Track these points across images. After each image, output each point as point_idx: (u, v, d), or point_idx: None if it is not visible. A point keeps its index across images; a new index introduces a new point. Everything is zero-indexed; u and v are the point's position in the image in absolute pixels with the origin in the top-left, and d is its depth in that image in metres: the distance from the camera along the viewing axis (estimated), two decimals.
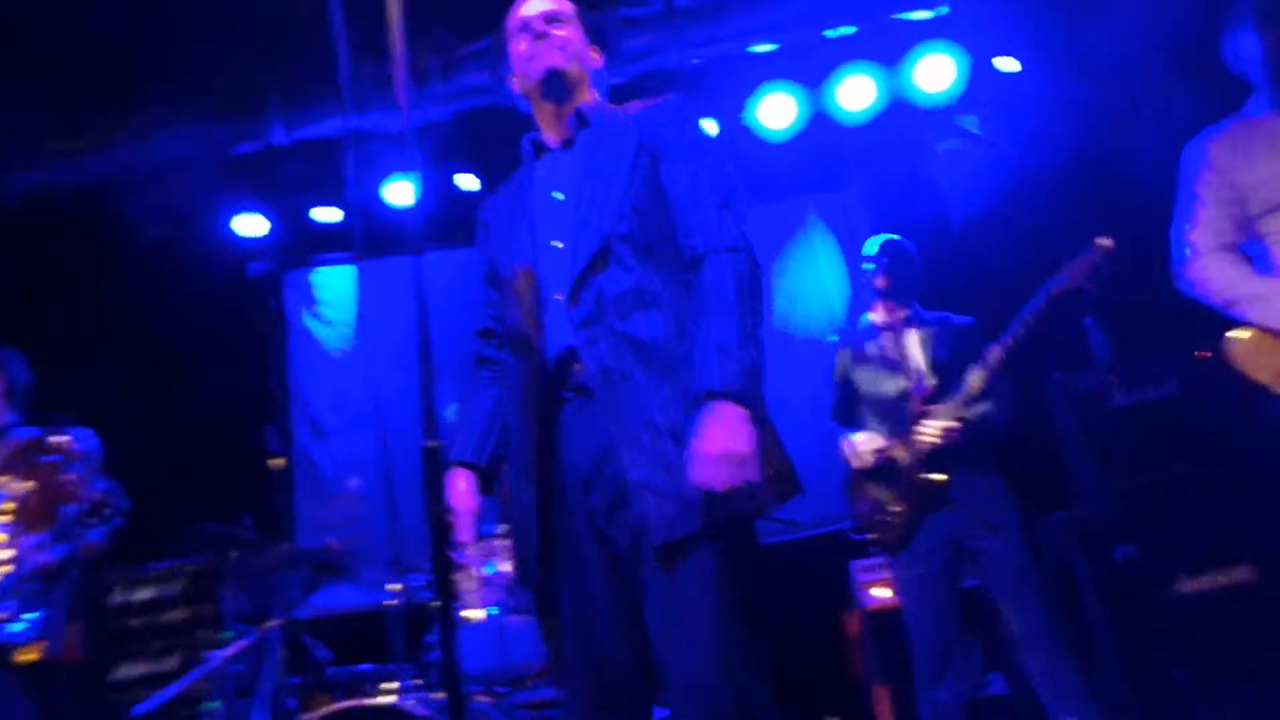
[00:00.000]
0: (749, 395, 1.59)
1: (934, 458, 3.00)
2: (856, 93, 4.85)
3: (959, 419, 2.97)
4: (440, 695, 2.87)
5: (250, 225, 5.15)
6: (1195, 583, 3.15)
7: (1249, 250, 2.39)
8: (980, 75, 4.77)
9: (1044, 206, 4.76)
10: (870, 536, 3.16)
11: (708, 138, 1.86)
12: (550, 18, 1.90)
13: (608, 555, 1.69)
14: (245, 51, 4.63)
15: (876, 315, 3.32)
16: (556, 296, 1.73)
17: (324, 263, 5.53)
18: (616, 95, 4.85)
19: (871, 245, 3.39)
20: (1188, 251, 2.40)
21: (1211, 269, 2.35)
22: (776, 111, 4.91)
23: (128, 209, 5.09)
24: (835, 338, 3.48)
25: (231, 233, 5.14)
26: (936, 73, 4.73)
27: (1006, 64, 4.77)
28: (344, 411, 5.26)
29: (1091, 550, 3.23)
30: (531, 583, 1.74)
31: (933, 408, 3.03)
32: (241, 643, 3.20)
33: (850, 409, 3.33)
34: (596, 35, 2.05)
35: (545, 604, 1.75)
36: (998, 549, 2.95)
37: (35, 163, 4.78)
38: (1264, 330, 2.28)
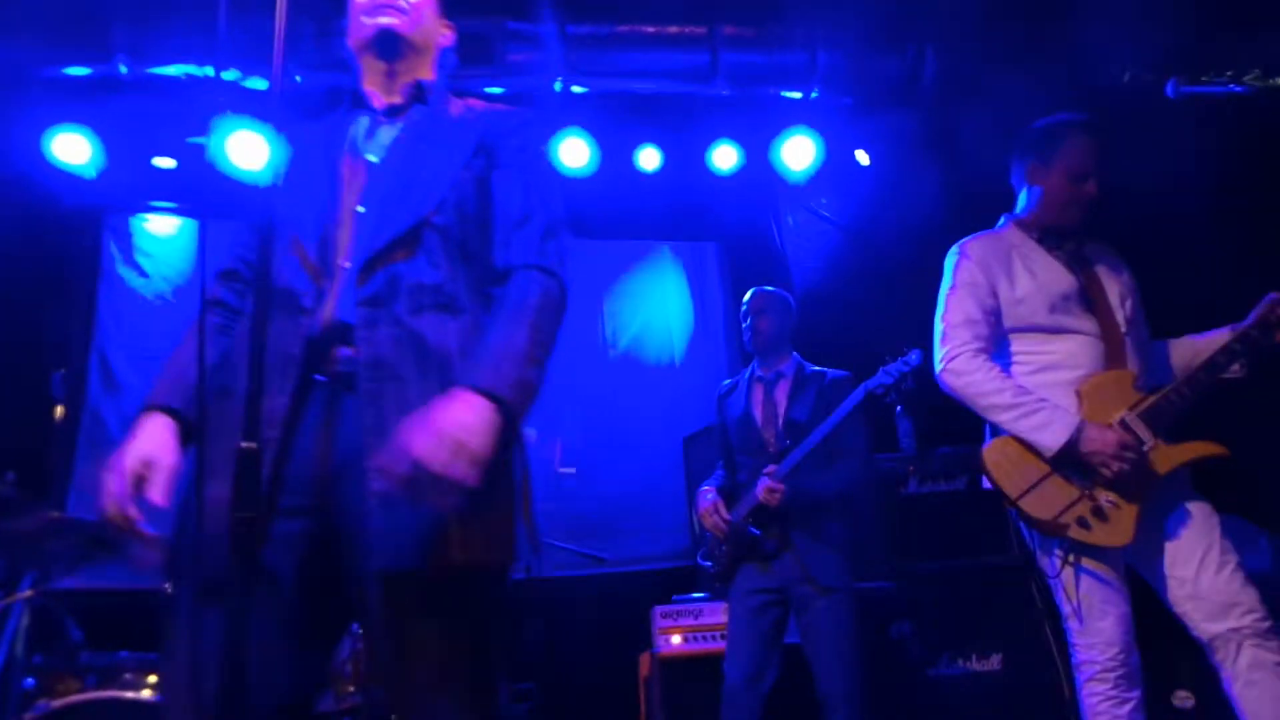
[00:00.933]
0: (512, 409, 1.41)
1: (761, 512, 3.17)
2: (725, 155, 5.09)
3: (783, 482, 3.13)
4: None
5: (74, 151, 4.69)
6: (955, 663, 3.48)
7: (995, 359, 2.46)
8: (835, 161, 5.12)
9: (875, 287, 5.13)
10: (709, 567, 3.38)
11: (548, 161, 1.77)
12: None
13: (301, 574, 1.43)
14: None
15: (756, 369, 3.47)
16: (344, 264, 1.54)
17: (153, 210, 5.12)
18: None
19: (750, 295, 3.53)
20: (948, 350, 2.46)
21: (975, 371, 2.40)
22: (647, 157, 5.06)
23: None
24: (726, 383, 3.61)
25: (51, 160, 4.66)
26: (798, 152, 5.04)
27: (860, 156, 5.14)
28: (145, 370, 4.86)
29: (871, 622, 3.47)
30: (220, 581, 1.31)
31: (773, 465, 3.18)
32: None
33: (724, 451, 3.48)
34: (477, 40, 1.94)
35: (186, 614, 1.40)
36: (819, 609, 3.09)
37: None
38: (1018, 441, 2.36)
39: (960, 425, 2.77)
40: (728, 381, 3.61)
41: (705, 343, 5.39)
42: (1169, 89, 2.82)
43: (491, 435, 1.37)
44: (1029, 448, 2.34)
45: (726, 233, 5.61)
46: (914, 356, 3.08)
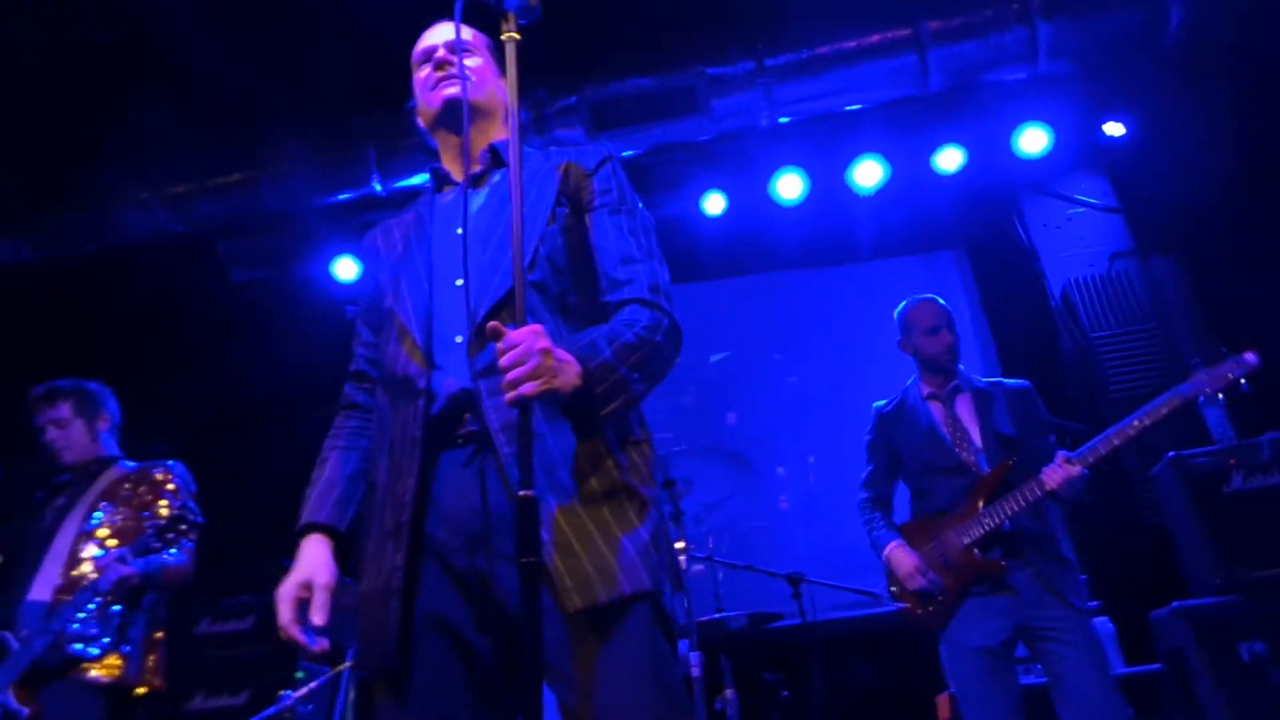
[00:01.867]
0: (594, 383, 1.42)
1: (994, 538, 2.82)
2: (948, 158, 4.81)
3: (1027, 499, 2.77)
4: None
5: (350, 270, 5.32)
6: None
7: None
8: (1083, 141, 4.67)
9: (1145, 278, 4.60)
10: (910, 612, 2.95)
11: (632, 192, 1.72)
12: (455, 47, 1.74)
13: (484, 635, 1.46)
14: (347, 108, 4.84)
15: (923, 383, 3.15)
16: (456, 339, 1.55)
17: None
18: (709, 154, 4.86)
19: (902, 308, 3.22)
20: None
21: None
22: (868, 173, 4.89)
23: (236, 253, 5.34)
24: (880, 403, 3.26)
25: (332, 277, 5.30)
26: (1033, 139, 4.66)
27: (1112, 129, 4.65)
28: None
29: (1212, 645, 2.98)
30: (386, 663, 1.43)
31: (994, 484, 2.85)
32: (314, 683, 3.21)
33: (890, 478, 3.18)
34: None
35: (394, 691, 1.45)
36: (1075, 639, 2.69)
37: (151, 206, 5.04)
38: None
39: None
40: (882, 403, 3.25)
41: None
42: None
43: (569, 382, 1.38)
44: None
45: (966, 238, 5.24)
46: (1249, 358, 2.64)
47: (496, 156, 1.75)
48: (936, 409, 3.07)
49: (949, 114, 4.78)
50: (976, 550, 2.82)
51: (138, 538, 2.71)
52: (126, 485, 2.90)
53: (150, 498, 2.86)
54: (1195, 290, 4.45)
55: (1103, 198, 4.93)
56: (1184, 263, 4.54)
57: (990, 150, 4.82)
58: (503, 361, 1.33)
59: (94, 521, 2.79)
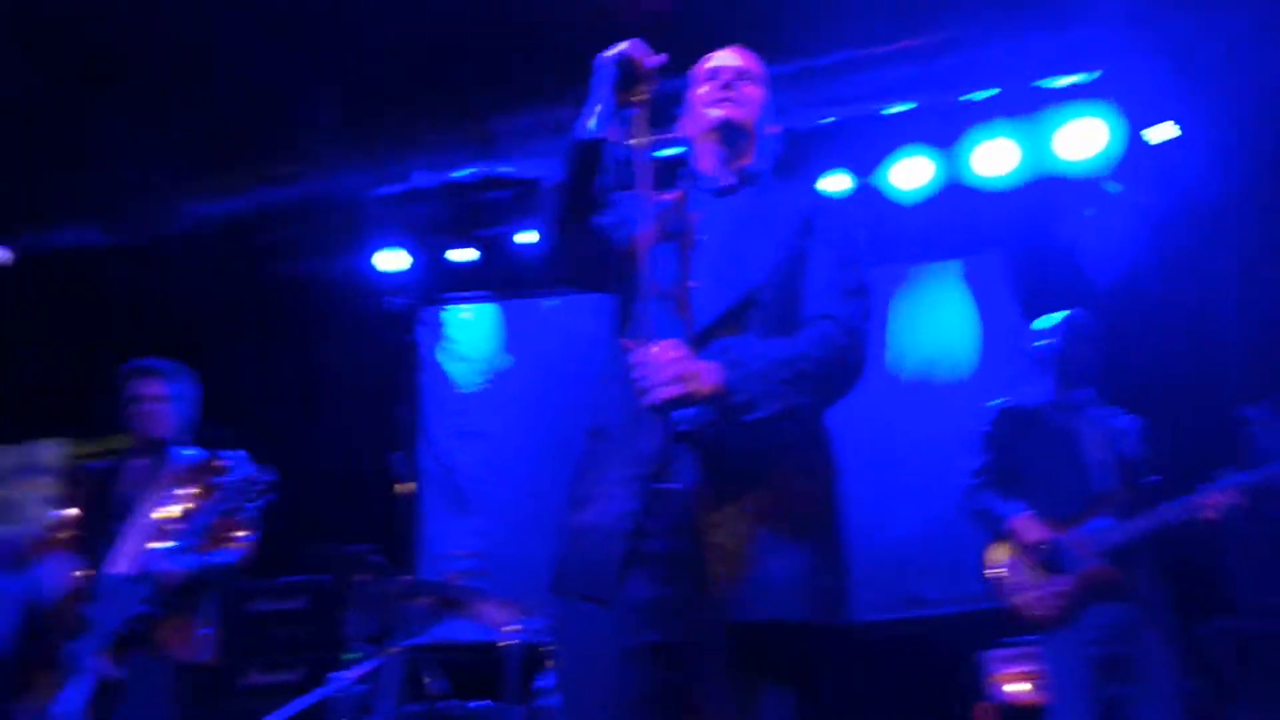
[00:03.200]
0: (733, 391, 1.53)
1: (1117, 552, 2.89)
2: (995, 158, 4.77)
3: (1173, 516, 2.84)
4: None
5: (391, 261, 5.42)
6: None
7: None
8: (1130, 141, 4.62)
9: (1192, 279, 4.55)
10: (1019, 610, 3.00)
11: (862, 236, 1.85)
12: (743, 73, 1.90)
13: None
14: (392, 103, 4.93)
15: (1052, 392, 3.19)
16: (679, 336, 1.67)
17: (459, 301, 5.75)
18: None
19: (1048, 320, 3.27)
20: None
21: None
22: (911, 173, 4.87)
23: (280, 243, 5.47)
24: (1001, 400, 3.29)
25: (373, 268, 5.40)
26: (1083, 138, 4.61)
27: (1162, 132, 4.59)
28: (467, 448, 5.42)
29: (1251, 662, 3.00)
30: (603, 594, 1.55)
31: (1130, 498, 2.93)
32: (364, 665, 3.32)
33: (1003, 476, 3.18)
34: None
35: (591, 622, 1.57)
36: (1161, 657, 2.79)
37: (201, 195, 5.18)
38: None
39: None
40: (1000, 401, 3.27)
41: (997, 361, 4.99)
42: None
43: (708, 388, 1.52)
44: None
45: (1013, 241, 5.19)
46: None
47: (749, 177, 1.89)
48: (1063, 419, 3.11)
49: (993, 113, 4.76)
50: (1105, 559, 2.88)
51: (190, 535, 2.82)
52: (194, 470, 3.02)
53: (211, 485, 2.98)
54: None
55: (1152, 195, 4.87)
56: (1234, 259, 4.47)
57: (1037, 150, 4.78)
58: (639, 373, 1.50)
59: (164, 504, 2.91)
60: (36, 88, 4.51)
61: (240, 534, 2.98)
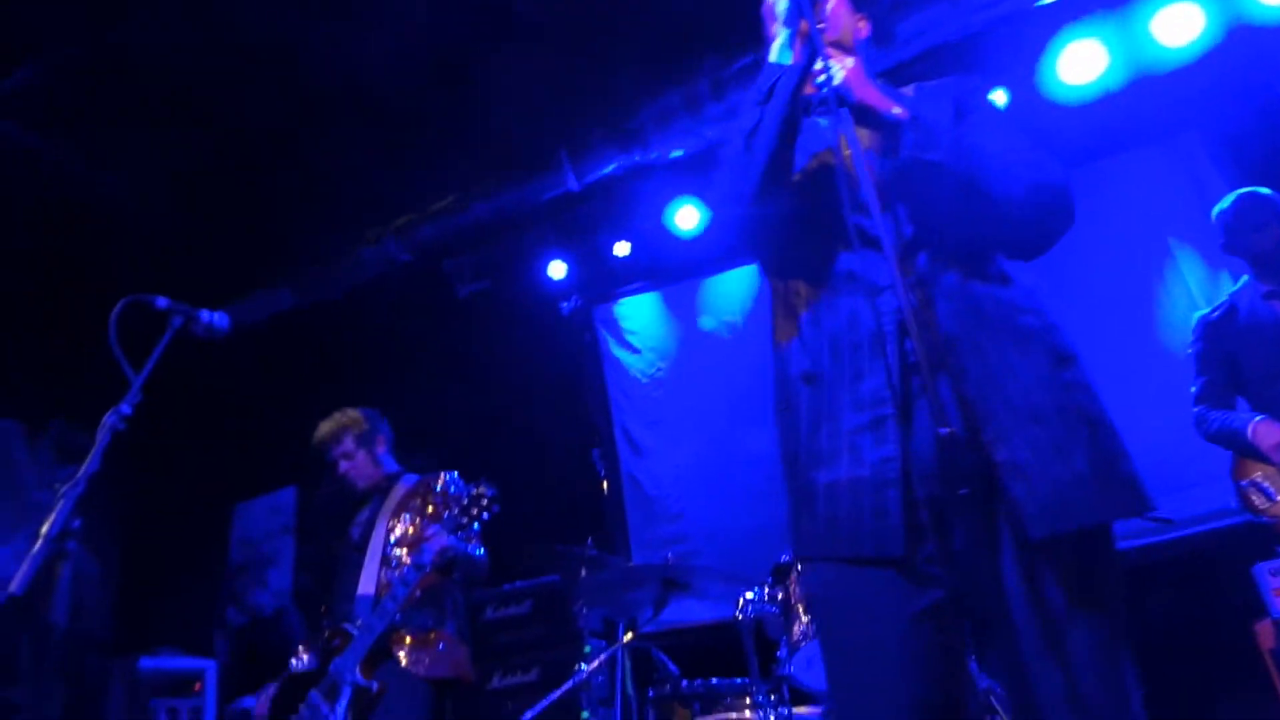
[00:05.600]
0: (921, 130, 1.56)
1: None
2: (1179, 23, 4.25)
3: None
4: (799, 709, 2.86)
5: (559, 267, 5.57)
6: None
7: None
8: None
9: None
10: (1278, 522, 2.70)
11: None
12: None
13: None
14: (537, 113, 5.04)
15: (1259, 283, 2.88)
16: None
17: (626, 294, 5.82)
18: (898, 77, 4.65)
19: (1226, 204, 2.97)
20: None
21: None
22: (1081, 64, 4.44)
23: (457, 268, 5.73)
24: (1203, 310, 3.03)
25: (547, 277, 5.56)
26: None
27: None
28: (658, 434, 5.47)
29: None
30: (889, 551, 1.44)
31: None
32: (600, 656, 3.40)
33: (1227, 390, 2.90)
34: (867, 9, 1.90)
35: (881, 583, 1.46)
36: None
37: (382, 239, 5.51)
38: None
39: None
40: (1205, 310, 3.02)
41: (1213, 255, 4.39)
42: None
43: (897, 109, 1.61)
44: None
45: (1212, 120, 4.58)
46: None
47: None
48: (1278, 306, 2.82)
49: None
50: None
51: (445, 517, 2.96)
52: (415, 496, 3.21)
53: (436, 502, 3.14)
54: None
55: None
56: None
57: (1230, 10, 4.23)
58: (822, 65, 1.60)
59: (399, 533, 3.10)
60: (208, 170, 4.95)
61: (477, 541, 3.10)
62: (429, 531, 2.93)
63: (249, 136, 4.93)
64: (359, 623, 2.91)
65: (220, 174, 5.08)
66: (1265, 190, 2.99)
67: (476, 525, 2.95)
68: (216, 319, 2.37)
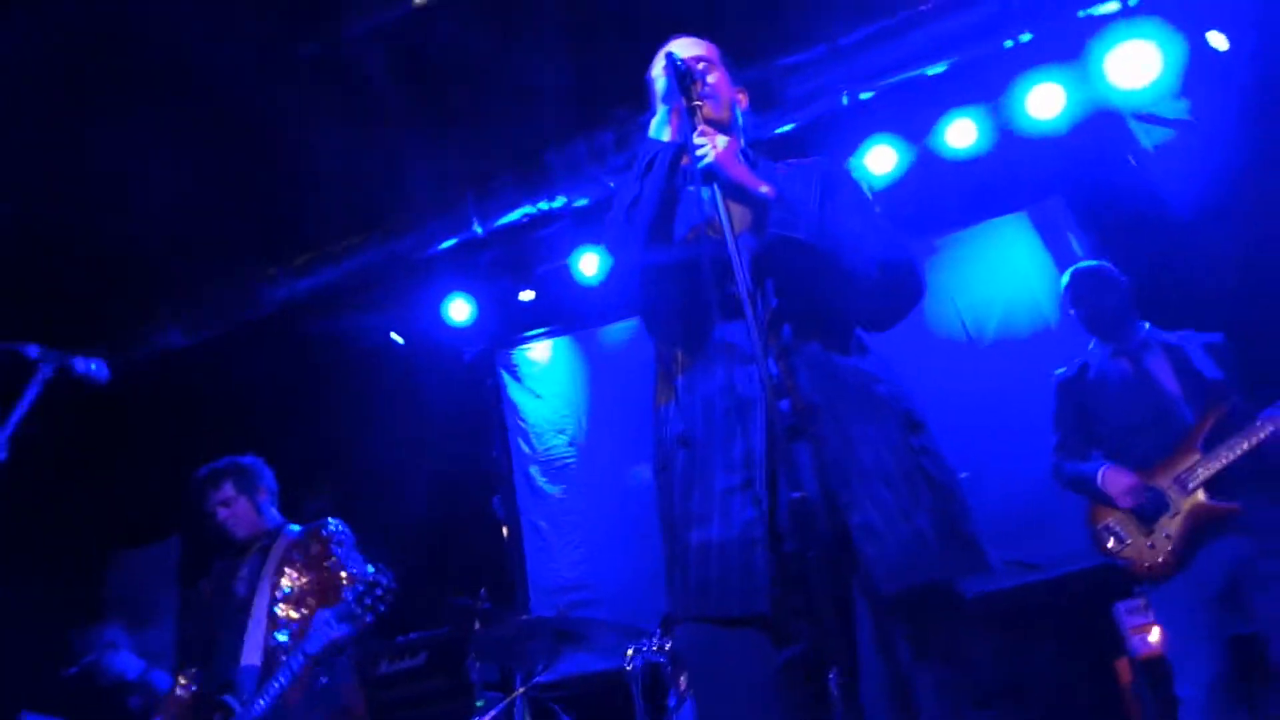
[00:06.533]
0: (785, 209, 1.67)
1: (1219, 483, 2.78)
2: (1045, 101, 4.61)
3: (1255, 439, 2.74)
4: None
5: (461, 311, 5.53)
6: None
7: None
8: (1184, 58, 4.40)
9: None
10: (1131, 564, 2.89)
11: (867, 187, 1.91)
12: (699, 62, 1.88)
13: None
14: (444, 155, 5.04)
15: (1106, 346, 3.13)
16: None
17: (529, 339, 5.83)
18: (787, 144, 4.85)
19: (1065, 280, 3.26)
20: None
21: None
22: (962, 132, 4.75)
23: (357, 309, 5.64)
24: (1060, 370, 3.27)
25: (449, 321, 5.52)
26: (1133, 64, 4.41)
27: (1216, 40, 4.36)
28: (560, 477, 5.47)
29: None
30: (756, 609, 1.52)
31: (1209, 429, 2.83)
32: (492, 711, 3.36)
33: (1082, 444, 3.13)
34: (757, 88, 2.03)
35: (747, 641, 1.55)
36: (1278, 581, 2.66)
37: (279, 280, 5.39)
38: None
39: None
40: (1061, 370, 3.26)
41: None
42: None
43: (765, 188, 1.71)
44: None
45: (1071, 183, 5.00)
46: None
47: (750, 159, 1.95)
48: (1125, 365, 3.04)
49: (1039, 57, 4.60)
50: (1204, 494, 2.78)
51: (339, 604, 2.88)
52: (299, 548, 3.11)
53: (321, 554, 3.06)
54: None
55: (1216, 116, 4.63)
56: None
57: (1087, 86, 4.61)
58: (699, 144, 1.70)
59: (284, 589, 3.00)
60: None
61: (380, 605, 2.98)
62: (320, 619, 2.84)
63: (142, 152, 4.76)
64: (243, 698, 2.81)
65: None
66: (1093, 262, 3.29)
67: (370, 617, 2.86)
68: (95, 368, 2.29)
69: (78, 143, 4.46)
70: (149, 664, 4.66)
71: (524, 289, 5.54)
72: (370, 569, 2.90)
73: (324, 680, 2.87)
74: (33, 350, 2.15)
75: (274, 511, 3.31)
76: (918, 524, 1.51)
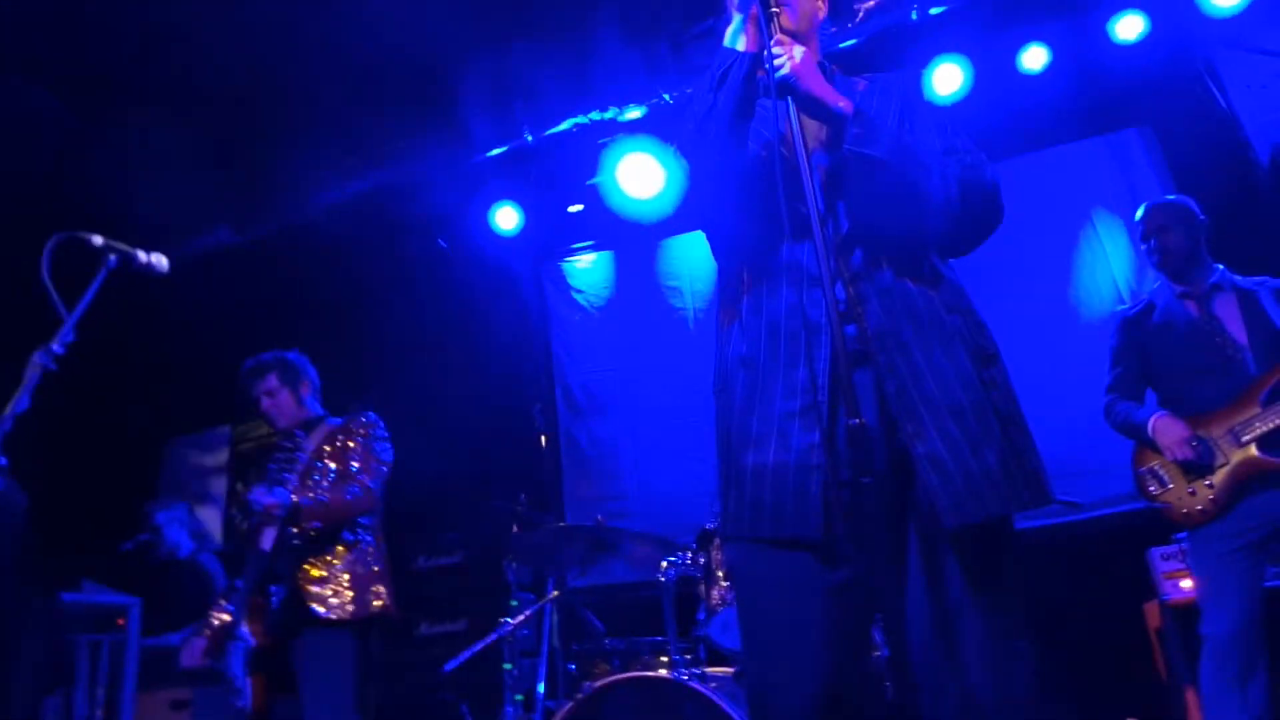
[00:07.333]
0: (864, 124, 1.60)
1: (1273, 438, 2.72)
2: (1128, 26, 4.38)
3: None
4: (713, 669, 2.97)
5: (508, 220, 5.51)
6: None
7: None
8: None
9: None
10: (1170, 509, 2.87)
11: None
12: None
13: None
14: (497, 65, 4.94)
15: (1174, 286, 3.02)
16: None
17: (575, 252, 5.81)
18: (851, 58, 4.66)
19: (1140, 213, 3.13)
20: None
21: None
22: (1033, 55, 4.54)
23: (406, 215, 5.65)
24: (1123, 307, 3.19)
25: (497, 230, 5.50)
26: None
27: None
28: (597, 391, 5.52)
29: None
30: (811, 534, 1.52)
31: (1272, 381, 2.74)
32: (526, 611, 3.48)
33: (1138, 383, 3.06)
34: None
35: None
36: None
37: (331, 182, 5.40)
38: None
39: None
40: (1125, 306, 3.19)
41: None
42: None
43: (843, 102, 1.65)
44: None
45: (1153, 113, 4.71)
46: None
47: (825, 72, 1.88)
48: (1192, 307, 2.95)
49: None
50: (1256, 448, 2.74)
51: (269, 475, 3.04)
52: (337, 438, 3.20)
53: (354, 445, 3.17)
54: None
55: None
56: None
57: (1174, 10, 4.36)
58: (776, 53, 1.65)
59: (315, 476, 3.10)
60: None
61: (353, 483, 3.10)
62: (256, 492, 2.97)
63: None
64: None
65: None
66: (1171, 197, 3.15)
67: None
68: (155, 260, 2.33)
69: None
70: (199, 546, 4.91)
71: (573, 202, 5.49)
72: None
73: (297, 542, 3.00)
74: (96, 239, 2.19)
75: (317, 405, 3.40)
76: (985, 458, 1.49)
